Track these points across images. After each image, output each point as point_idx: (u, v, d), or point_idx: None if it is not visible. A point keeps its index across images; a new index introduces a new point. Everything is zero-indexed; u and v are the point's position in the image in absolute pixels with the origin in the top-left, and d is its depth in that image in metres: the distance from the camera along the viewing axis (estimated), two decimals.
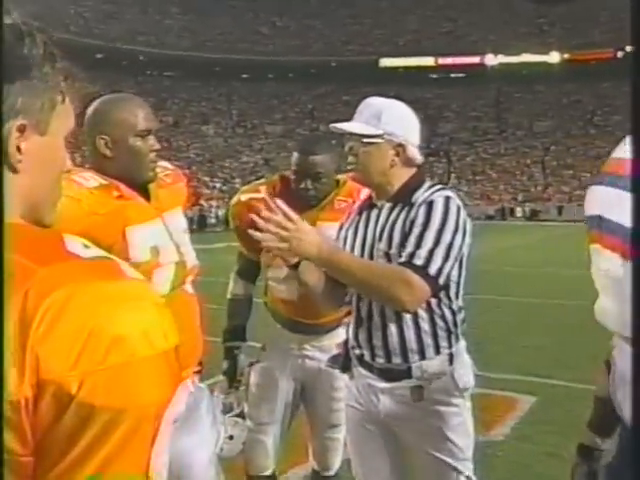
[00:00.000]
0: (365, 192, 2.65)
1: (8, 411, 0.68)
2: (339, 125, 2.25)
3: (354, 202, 2.70)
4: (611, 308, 1.00)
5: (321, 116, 55.40)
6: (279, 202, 2.09)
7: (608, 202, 1.20)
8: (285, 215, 2.06)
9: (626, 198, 0.85)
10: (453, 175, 53.98)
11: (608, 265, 1.15)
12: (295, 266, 2.17)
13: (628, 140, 0.97)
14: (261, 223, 2.04)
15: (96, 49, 54.02)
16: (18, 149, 0.81)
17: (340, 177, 2.82)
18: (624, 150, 1.20)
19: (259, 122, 56.96)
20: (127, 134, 2.09)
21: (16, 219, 0.81)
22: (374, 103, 2.25)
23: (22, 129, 0.81)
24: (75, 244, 0.79)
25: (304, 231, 2.07)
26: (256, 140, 54.35)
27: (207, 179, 44.74)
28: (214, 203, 36.41)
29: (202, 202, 34.88)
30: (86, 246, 0.80)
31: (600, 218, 1.23)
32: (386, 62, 61.15)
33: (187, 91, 58.16)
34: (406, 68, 60.43)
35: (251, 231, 2.07)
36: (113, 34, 56.68)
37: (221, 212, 33.19)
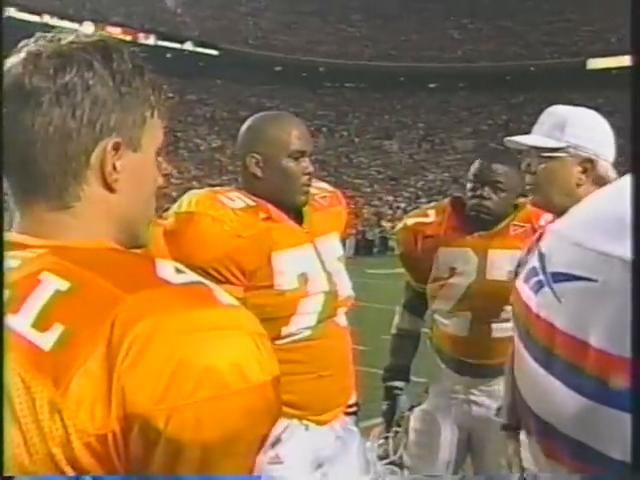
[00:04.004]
0: (546, 217, 2.55)
1: (95, 444, 0.70)
2: (514, 138, 2.17)
3: (532, 228, 2.61)
4: None
5: (517, 128, 53.64)
6: None
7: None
8: None
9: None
10: None
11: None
12: None
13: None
14: None
15: (275, 61, 56.44)
16: (114, 167, 0.87)
17: (519, 201, 2.74)
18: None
19: (447, 136, 56.50)
20: (279, 154, 2.14)
21: (108, 243, 0.86)
22: (557, 112, 2.14)
23: (117, 147, 0.87)
24: (166, 269, 0.80)
25: None
26: (444, 156, 53.86)
27: (390, 198, 44.94)
28: (398, 224, 36.52)
29: (384, 223, 35.15)
30: (179, 270, 0.81)
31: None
32: (595, 63, 58.67)
33: (369, 104, 59.08)
34: (619, 69, 57.60)
35: None
36: (292, 45, 58.96)
37: None
